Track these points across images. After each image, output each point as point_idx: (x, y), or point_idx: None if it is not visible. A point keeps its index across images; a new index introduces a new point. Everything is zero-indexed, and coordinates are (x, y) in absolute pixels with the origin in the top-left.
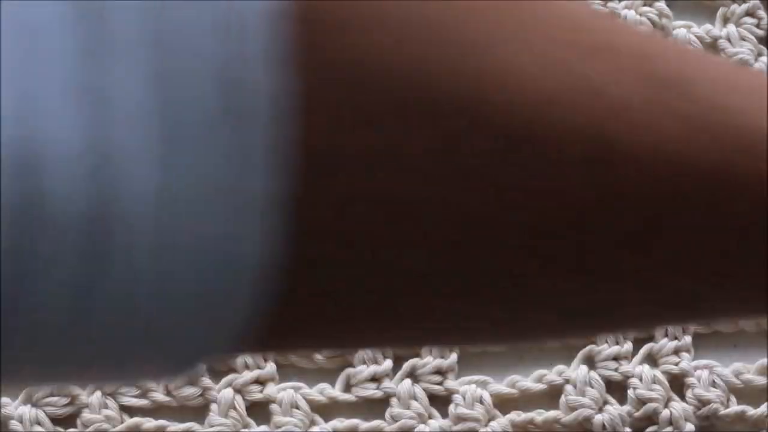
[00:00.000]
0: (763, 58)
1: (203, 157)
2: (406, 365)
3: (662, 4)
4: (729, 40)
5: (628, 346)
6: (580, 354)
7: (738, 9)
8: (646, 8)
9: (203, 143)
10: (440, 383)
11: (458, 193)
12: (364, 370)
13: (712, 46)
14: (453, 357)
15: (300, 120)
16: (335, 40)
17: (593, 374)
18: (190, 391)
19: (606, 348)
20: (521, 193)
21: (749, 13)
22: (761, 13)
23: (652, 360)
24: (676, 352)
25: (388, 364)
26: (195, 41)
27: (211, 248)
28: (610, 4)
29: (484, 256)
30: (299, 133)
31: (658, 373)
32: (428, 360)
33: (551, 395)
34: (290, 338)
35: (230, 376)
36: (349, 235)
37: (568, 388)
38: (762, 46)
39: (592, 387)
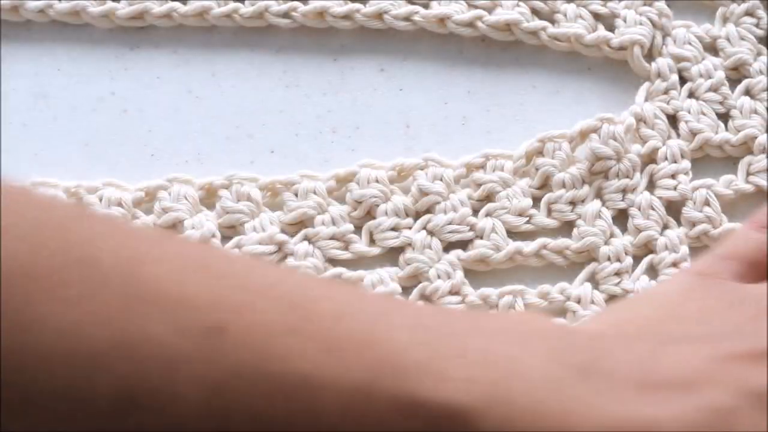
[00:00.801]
0: (763, 58)
1: None
2: None
3: (662, 4)
4: (728, 39)
5: None
6: None
7: (737, 9)
8: (646, 8)
9: None
10: None
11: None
12: None
13: (712, 45)
14: None
15: None
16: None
17: None
18: None
19: None
20: None
21: (749, 13)
22: (761, 12)
23: None
24: None
25: None
26: None
27: None
28: (609, 5)
29: None
30: None
31: None
32: None
33: None
34: None
35: None
36: None
37: None
38: (761, 46)
39: None
